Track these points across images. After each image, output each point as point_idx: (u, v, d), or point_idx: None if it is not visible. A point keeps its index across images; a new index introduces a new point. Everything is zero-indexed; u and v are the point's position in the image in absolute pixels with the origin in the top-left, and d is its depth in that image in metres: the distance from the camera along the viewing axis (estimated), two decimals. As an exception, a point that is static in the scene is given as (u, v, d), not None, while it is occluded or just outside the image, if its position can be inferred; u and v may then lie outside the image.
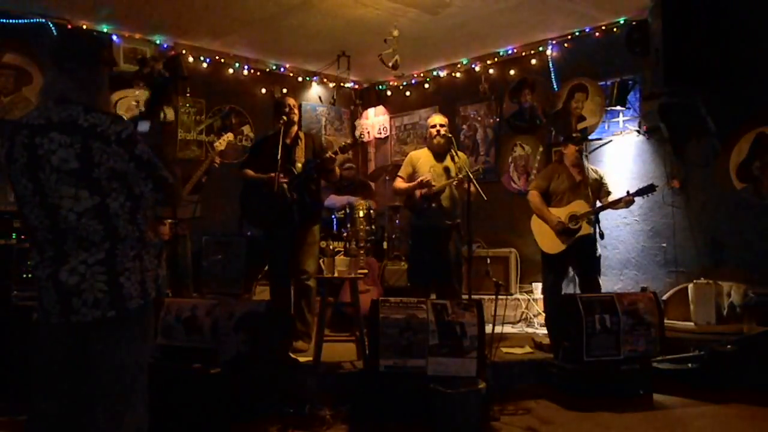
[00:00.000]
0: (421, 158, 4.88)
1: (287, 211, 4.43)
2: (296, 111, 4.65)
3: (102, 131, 1.96)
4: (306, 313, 4.56)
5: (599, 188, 4.94)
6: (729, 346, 4.36)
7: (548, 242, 4.86)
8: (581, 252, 4.80)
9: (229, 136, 5.44)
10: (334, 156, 4.43)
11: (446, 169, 4.77)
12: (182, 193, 2.22)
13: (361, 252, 5.48)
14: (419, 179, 4.69)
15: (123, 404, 2.02)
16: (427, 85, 7.74)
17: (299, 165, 4.53)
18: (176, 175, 2.16)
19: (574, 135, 5.19)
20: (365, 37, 6.17)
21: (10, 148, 2.02)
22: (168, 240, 5.08)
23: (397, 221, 6.59)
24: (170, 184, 2.10)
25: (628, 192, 4.73)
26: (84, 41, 2.24)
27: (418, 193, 4.73)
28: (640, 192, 4.69)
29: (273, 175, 4.38)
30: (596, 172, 5.06)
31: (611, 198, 4.86)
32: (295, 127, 4.67)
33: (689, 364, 4.37)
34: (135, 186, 2.03)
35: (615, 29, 5.95)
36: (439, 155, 4.83)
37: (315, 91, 7.84)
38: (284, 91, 7.22)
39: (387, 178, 7.07)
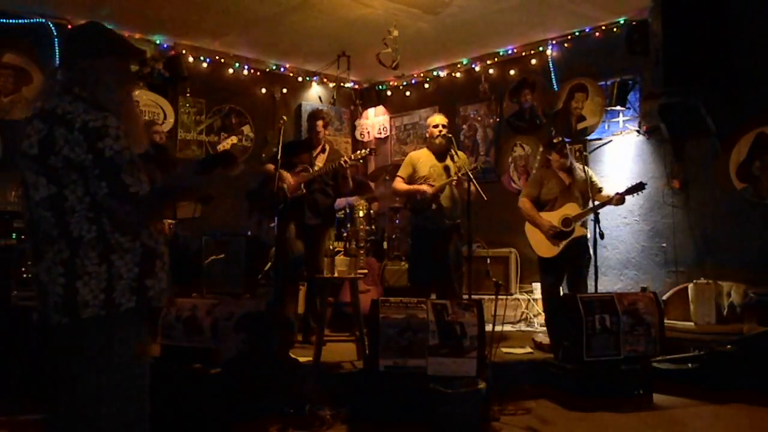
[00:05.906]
0: (421, 158, 4.88)
1: (299, 206, 4.70)
2: (322, 129, 5.00)
3: (71, 118, 1.82)
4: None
5: (589, 187, 4.92)
6: (729, 346, 4.36)
7: (543, 247, 4.89)
8: (574, 254, 4.81)
9: (232, 139, 5.47)
10: (347, 162, 4.69)
11: (446, 169, 4.77)
12: (159, 213, 2.06)
13: (361, 252, 5.48)
14: (420, 187, 4.70)
15: (86, 421, 1.84)
16: (427, 85, 7.73)
17: (317, 168, 4.84)
18: (160, 195, 1.96)
19: (555, 141, 5.09)
20: (365, 37, 6.17)
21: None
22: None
23: (397, 221, 6.59)
24: (132, 194, 1.82)
25: (617, 193, 4.74)
26: (86, 32, 2.07)
27: (418, 195, 4.75)
28: (630, 191, 4.71)
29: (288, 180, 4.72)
30: (584, 170, 5.00)
31: (603, 194, 4.88)
32: (322, 140, 5.05)
33: (689, 364, 4.37)
34: (90, 184, 1.82)
35: (615, 29, 5.95)
36: (439, 155, 4.83)
37: (315, 91, 7.84)
38: (320, 98, 7.38)
39: (387, 178, 7.07)
